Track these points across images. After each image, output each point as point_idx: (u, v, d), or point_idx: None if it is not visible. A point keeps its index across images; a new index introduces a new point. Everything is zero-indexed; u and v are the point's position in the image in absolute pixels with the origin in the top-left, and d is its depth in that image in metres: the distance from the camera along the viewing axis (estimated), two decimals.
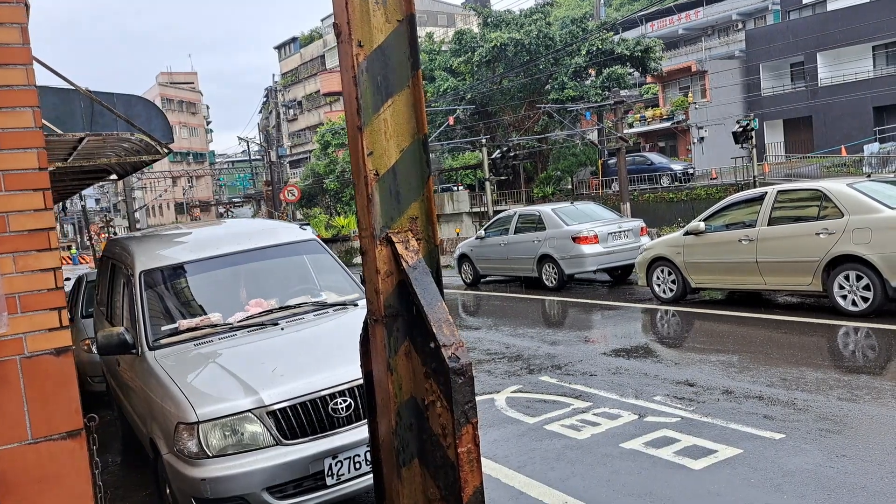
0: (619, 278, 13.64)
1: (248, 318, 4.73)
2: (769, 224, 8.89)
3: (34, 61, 2.67)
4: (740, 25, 46.55)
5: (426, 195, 2.83)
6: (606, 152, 34.62)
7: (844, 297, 8.13)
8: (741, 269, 9.18)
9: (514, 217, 14.64)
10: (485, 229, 15.66)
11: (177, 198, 70.35)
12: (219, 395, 3.87)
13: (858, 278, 7.94)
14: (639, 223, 13.89)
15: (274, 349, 4.37)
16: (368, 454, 3.73)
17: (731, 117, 32.68)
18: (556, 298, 12.45)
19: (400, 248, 2.72)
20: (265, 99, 79.45)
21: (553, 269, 13.25)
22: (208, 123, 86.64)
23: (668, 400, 5.82)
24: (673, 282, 10.27)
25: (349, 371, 3.88)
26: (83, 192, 32.70)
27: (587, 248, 12.70)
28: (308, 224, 36.46)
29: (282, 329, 4.63)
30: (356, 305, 4.97)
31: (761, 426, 5.02)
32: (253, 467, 3.69)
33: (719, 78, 38.38)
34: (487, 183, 30.64)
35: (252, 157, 65.81)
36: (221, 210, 57.74)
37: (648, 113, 43.21)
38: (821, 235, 8.23)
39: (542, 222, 13.66)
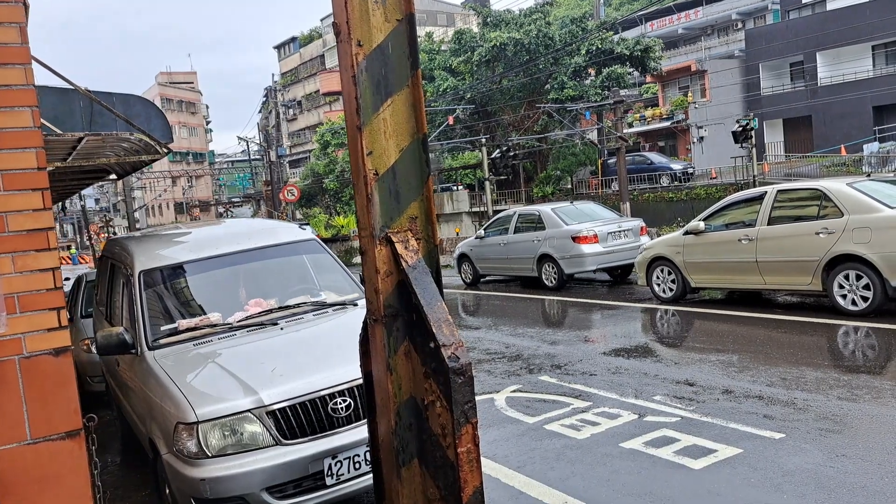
0: (618, 278, 13.64)
1: (247, 318, 4.72)
2: (769, 223, 8.89)
3: (33, 61, 2.66)
4: (740, 25, 46.54)
5: (426, 195, 2.83)
6: (606, 152, 34.63)
7: (844, 296, 8.13)
8: (741, 268, 9.18)
9: (514, 217, 14.64)
10: (484, 229, 15.66)
11: (176, 198, 70.32)
12: (218, 395, 3.86)
13: (858, 278, 7.94)
14: (638, 223, 13.88)
15: (273, 349, 4.37)
16: (368, 454, 3.73)
17: (731, 117, 32.66)
18: (555, 298, 12.45)
19: (399, 247, 2.71)
20: (265, 99, 79.41)
21: (553, 268, 13.25)
22: (208, 123, 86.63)
23: (667, 399, 5.82)
24: (673, 281, 10.26)
25: (349, 371, 3.88)
26: (83, 192, 32.70)
27: (587, 248, 12.70)
28: (307, 224, 36.47)
29: (281, 329, 4.63)
30: (356, 305, 4.97)
31: (761, 426, 5.02)
32: (252, 467, 3.69)
33: (719, 77, 38.39)
34: (487, 182, 30.63)
35: (252, 157, 65.78)
36: (221, 210, 57.71)
37: (648, 112, 43.22)
38: (820, 235, 8.23)
39: (542, 222, 13.65)
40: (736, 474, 4.29)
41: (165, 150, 7.01)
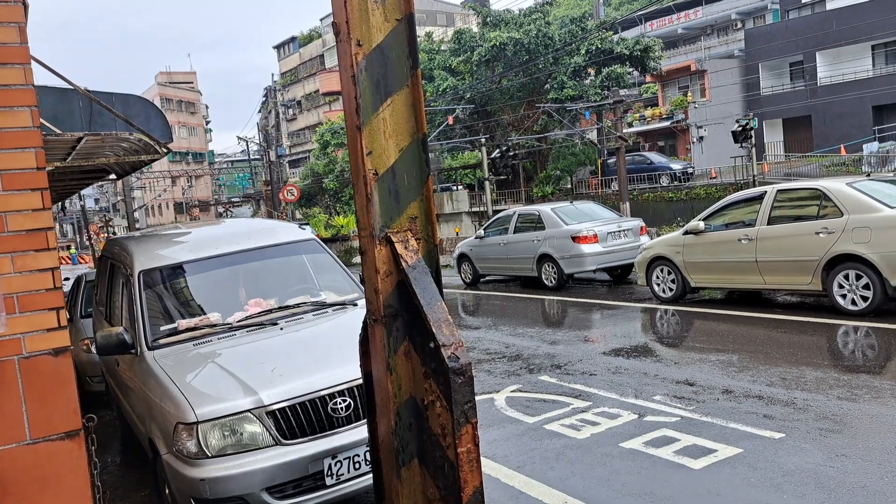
0: (618, 278, 13.64)
1: (247, 318, 4.72)
2: (769, 223, 8.89)
3: (32, 60, 2.66)
4: (739, 24, 46.54)
5: (425, 194, 2.83)
6: (606, 152, 34.63)
7: (844, 296, 8.13)
8: (741, 268, 9.18)
9: (514, 216, 14.64)
10: (484, 229, 15.66)
11: (176, 197, 70.30)
12: (218, 395, 3.86)
13: (858, 277, 7.94)
14: (638, 222, 13.88)
15: (273, 349, 4.37)
16: (368, 454, 3.73)
17: (731, 116, 32.68)
18: (555, 298, 12.45)
19: (399, 247, 2.71)
20: (264, 98, 79.41)
21: (552, 268, 13.25)
22: (207, 123, 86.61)
23: (667, 399, 5.82)
24: (672, 281, 10.26)
25: (348, 371, 3.87)
26: (82, 192, 32.69)
27: (587, 248, 12.70)
28: (307, 223, 36.48)
29: (281, 329, 4.62)
30: (355, 305, 4.97)
31: (761, 426, 5.01)
32: (252, 467, 3.68)
33: (718, 77, 38.40)
34: (487, 182, 30.62)
35: (251, 157, 65.77)
36: (220, 210, 57.69)
37: (648, 112, 43.23)
38: (820, 235, 8.23)
39: (542, 222, 13.65)
40: (736, 474, 4.29)
41: (165, 150, 7.01)
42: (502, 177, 34.90)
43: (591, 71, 34.01)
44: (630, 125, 41.33)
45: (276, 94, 75.99)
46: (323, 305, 4.97)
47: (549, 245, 13.25)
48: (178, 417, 3.77)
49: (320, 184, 47.84)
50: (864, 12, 33.12)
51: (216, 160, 77.75)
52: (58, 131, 5.98)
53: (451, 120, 34.14)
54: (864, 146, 29.25)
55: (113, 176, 9.93)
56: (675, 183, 31.66)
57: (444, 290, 2.86)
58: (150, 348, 4.50)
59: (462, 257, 16.00)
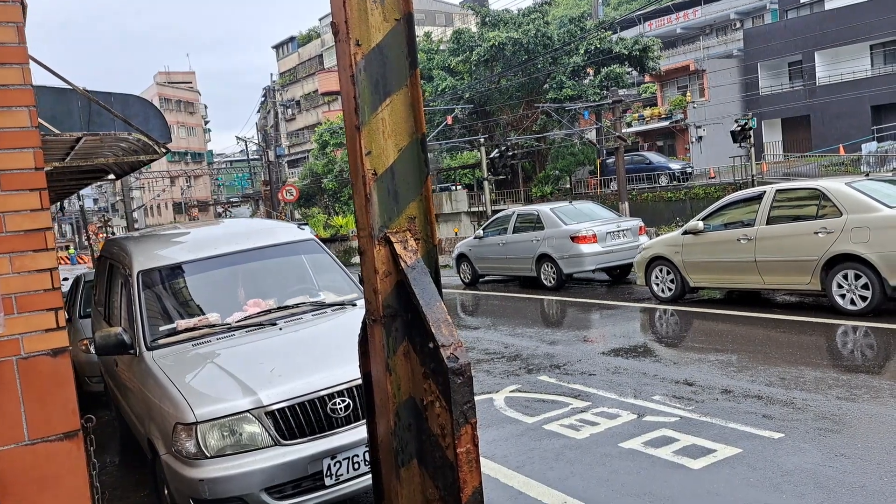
0: (617, 278, 13.64)
1: (246, 319, 4.72)
2: (768, 223, 8.89)
3: (31, 60, 2.66)
4: (738, 24, 46.57)
5: (424, 195, 2.82)
6: (605, 151, 34.62)
7: (843, 296, 8.13)
8: (740, 268, 9.18)
9: (513, 216, 14.63)
10: (483, 229, 15.65)
11: (175, 198, 70.28)
12: (217, 395, 3.86)
13: (857, 277, 7.94)
14: (637, 222, 13.88)
15: (272, 349, 4.36)
16: (367, 454, 3.72)
17: (730, 116, 32.69)
18: (554, 298, 12.45)
19: (398, 247, 2.71)
20: (263, 98, 79.41)
21: (552, 268, 13.25)
22: (206, 123, 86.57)
23: (666, 399, 5.82)
24: (671, 281, 10.27)
25: (347, 371, 3.87)
26: (81, 192, 32.67)
27: (586, 248, 12.70)
28: (306, 224, 36.48)
29: (280, 329, 4.62)
30: (354, 305, 4.96)
31: (760, 425, 5.01)
32: (251, 468, 3.68)
33: (717, 77, 38.42)
34: (486, 182, 30.63)
35: (250, 157, 65.75)
36: (219, 210, 57.68)
37: (647, 112, 43.24)
38: (819, 234, 8.23)
39: (541, 222, 13.65)
40: (735, 474, 4.29)
41: (164, 150, 7.00)
42: (501, 177, 34.93)
43: (590, 71, 34.03)
44: (629, 125, 41.35)
45: (274, 94, 75.98)
46: (322, 306, 4.97)
47: (549, 245, 13.25)
48: (177, 418, 3.76)
49: (319, 184, 47.84)
50: (863, 12, 33.15)
51: (215, 160, 77.69)
52: (56, 131, 5.97)
53: (449, 120, 34.14)
54: (863, 146, 29.29)
55: (112, 176, 9.92)
56: (674, 183, 31.69)
57: (444, 290, 2.85)
58: (148, 349, 4.49)
59: (461, 257, 16.00)
